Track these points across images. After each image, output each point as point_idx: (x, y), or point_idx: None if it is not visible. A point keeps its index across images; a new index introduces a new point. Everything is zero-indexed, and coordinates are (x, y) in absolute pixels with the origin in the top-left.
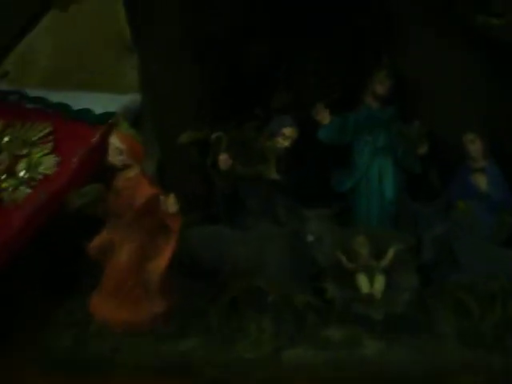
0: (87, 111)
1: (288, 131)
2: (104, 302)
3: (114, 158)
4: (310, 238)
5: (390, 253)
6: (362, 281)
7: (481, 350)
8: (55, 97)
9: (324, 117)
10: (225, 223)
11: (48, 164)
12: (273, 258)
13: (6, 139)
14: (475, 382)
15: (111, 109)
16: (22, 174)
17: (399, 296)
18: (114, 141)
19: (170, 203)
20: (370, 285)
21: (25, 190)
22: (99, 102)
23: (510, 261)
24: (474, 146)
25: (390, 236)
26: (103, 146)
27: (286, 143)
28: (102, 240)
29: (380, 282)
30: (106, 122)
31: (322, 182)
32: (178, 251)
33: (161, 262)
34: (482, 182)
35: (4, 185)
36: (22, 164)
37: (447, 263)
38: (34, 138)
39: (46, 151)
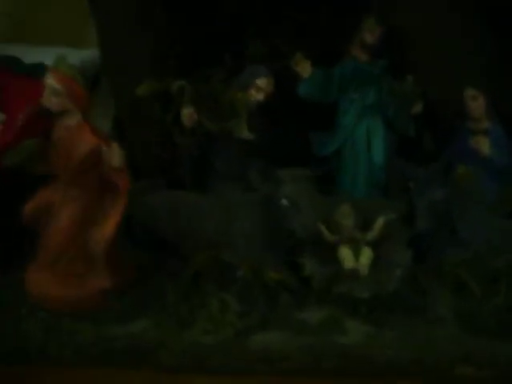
0: (40, 66)
1: (262, 82)
2: (40, 276)
3: (50, 101)
4: (285, 203)
5: (379, 222)
6: (346, 254)
7: (483, 336)
8: (8, 51)
9: (304, 68)
10: (191, 188)
11: None
12: (242, 227)
13: None
14: (476, 373)
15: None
16: None
17: (389, 272)
18: (50, 81)
19: (113, 155)
20: (355, 259)
21: None
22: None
23: None
24: (477, 102)
25: (379, 205)
26: None
27: (260, 96)
28: (38, 202)
29: (366, 256)
30: None
31: (302, 143)
32: (135, 218)
33: (107, 228)
34: (484, 145)
35: None
36: None
37: (445, 236)
38: None
39: None
